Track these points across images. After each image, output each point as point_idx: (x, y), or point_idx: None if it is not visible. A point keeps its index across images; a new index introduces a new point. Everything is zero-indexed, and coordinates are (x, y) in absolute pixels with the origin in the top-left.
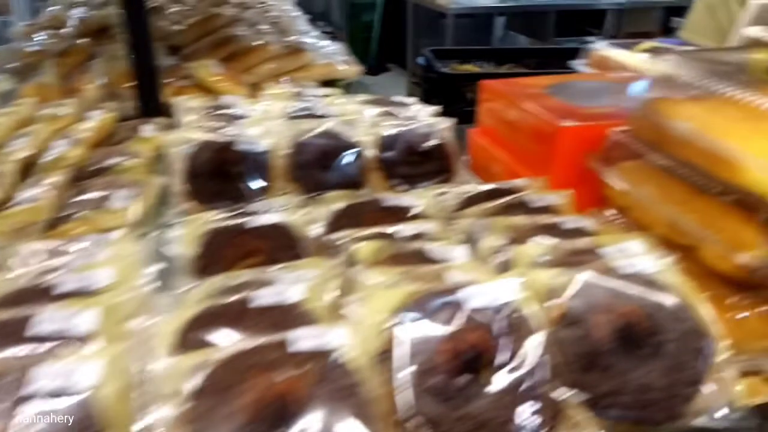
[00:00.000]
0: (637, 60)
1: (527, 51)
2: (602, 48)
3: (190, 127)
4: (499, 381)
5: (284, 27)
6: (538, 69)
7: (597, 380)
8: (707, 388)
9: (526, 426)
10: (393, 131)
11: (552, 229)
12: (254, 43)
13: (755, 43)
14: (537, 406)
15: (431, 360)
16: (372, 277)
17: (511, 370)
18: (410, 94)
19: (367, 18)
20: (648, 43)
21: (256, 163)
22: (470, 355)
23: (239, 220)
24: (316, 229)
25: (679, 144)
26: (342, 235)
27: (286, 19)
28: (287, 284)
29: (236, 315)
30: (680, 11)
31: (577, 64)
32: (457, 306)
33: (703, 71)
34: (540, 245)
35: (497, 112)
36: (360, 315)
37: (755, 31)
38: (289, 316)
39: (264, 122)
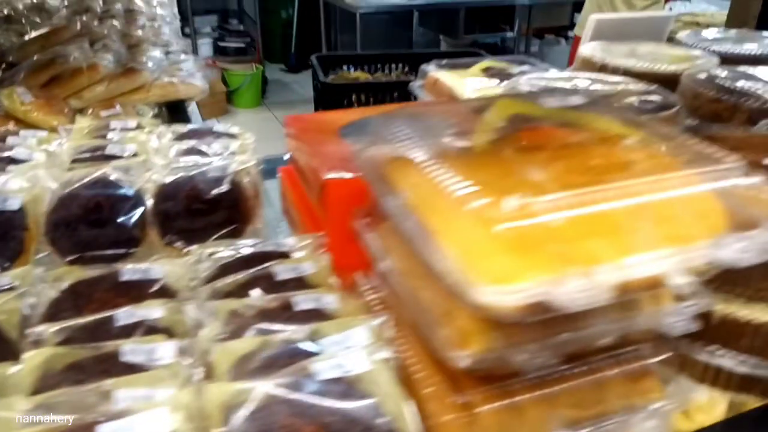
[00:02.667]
0: (466, 85)
1: (427, 55)
2: (433, 70)
3: None
4: None
5: (138, 41)
6: None
7: None
8: None
9: None
10: (174, 176)
11: (281, 313)
12: (83, 64)
13: (585, 64)
14: None
15: None
16: (4, 407)
17: None
18: None
19: (285, 14)
20: (486, 63)
21: (8, 223)
22: None
23: None
24: (33, 317)
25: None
26: (41, 330)
27: (148, 30)
28: None
29: None
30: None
31: (415, 87)
32: None
33: (422, 129)
34: (248, 341)
35: (295, 152)
36: None
37: (588, 49)
38: None
39: (39, 169)
